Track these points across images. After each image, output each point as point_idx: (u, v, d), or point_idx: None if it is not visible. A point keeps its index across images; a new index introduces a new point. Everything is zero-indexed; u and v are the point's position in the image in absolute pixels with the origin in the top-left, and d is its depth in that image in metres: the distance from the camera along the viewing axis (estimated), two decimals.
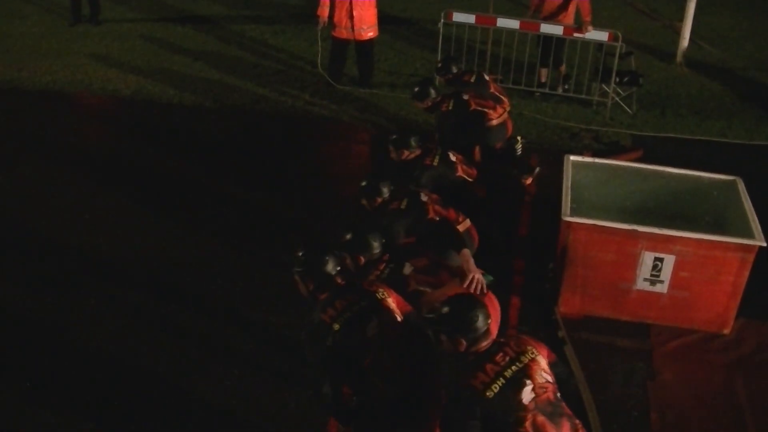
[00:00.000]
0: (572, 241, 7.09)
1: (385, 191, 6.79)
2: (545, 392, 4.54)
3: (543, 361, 4.64)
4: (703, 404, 6.57)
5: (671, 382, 6.75)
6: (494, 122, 8.70)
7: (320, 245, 5.24)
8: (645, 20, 14.83)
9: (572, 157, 8.05)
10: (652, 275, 7.09)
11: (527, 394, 4.48)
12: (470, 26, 11.82)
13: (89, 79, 11.87)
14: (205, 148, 10.11)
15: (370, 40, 11.43)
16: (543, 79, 11.88)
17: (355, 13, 11.09)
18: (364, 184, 6.87)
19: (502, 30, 11.76)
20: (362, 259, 5.92)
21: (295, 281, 5.17)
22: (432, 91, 8.67)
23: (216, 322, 7.16)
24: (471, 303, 4.73)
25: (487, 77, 9.22)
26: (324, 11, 11.23)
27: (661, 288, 7.12)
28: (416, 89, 8.73)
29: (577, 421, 4.64)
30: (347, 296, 5.05)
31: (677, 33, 13.32)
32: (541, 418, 4.46)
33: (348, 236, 5.96)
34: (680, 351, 7.07)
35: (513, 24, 11.70)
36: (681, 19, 13.00)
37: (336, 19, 11.22)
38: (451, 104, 8.64)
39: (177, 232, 8.42)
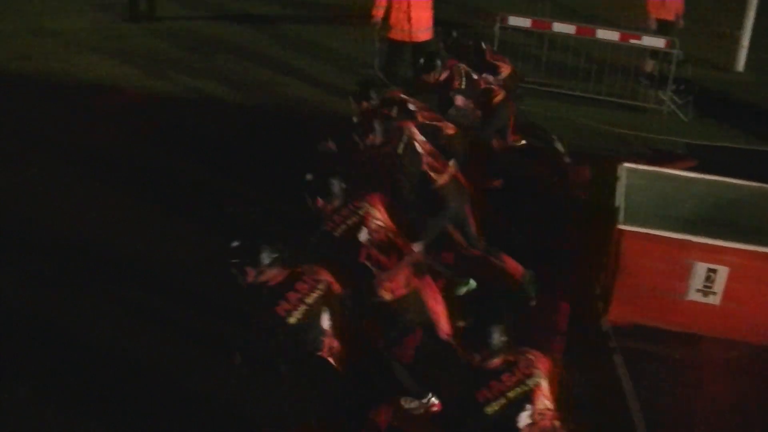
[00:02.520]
0: (625, 249, 7.03)
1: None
2: (543, 419, 4.61)
3: (546, 386, 4.68)
4: (753, 419, 6.48)
5: (721, 395, 6.68)
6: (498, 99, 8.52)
7: (256, 235, 5.45)
8: (702, 27, 14.65)
9: (626, 165, 7.99)
10: (704, 286, 7.01)
11: (524, 419, 4.57)
12: (526, 30, 11.78)
13: (140, 76, 12.01)
14: (247, 147, 10.08)
15: (426, 42, 11.42)
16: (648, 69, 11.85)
17: (412, 15, 11.07)
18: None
19: (557, 34, 11.71)
20: (320, 202, 5.96)
21: (233, 273, 5.30)
22: (439, 63, 8.27)
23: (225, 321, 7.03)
24: (492, 320, 4.78)
25: (484, 46, 8.93)
26: (379, 12, 11.24)
27: (714, 299, 7.04)
28: (421, 60, 8.32)
29: None
30: (298, 287, 5.25)
31: (736, 41, 13.15)
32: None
33: (309, 177, 5.99)
34: (731, 363, 6.99)
35: (569, 29, 11.65)
36: (740, 26, 12.84)
37: (393, 20, 11.21)
38: (463, 82, 8.29)
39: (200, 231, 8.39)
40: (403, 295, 5.87)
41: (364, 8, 11.63)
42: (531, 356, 4.79)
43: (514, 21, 11.71)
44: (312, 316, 5.21)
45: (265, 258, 5.28)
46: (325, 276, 5.33)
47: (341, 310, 5.40)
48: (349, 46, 13.26)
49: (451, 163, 7.17)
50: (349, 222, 5.91)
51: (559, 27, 11.60)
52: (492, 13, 11.85)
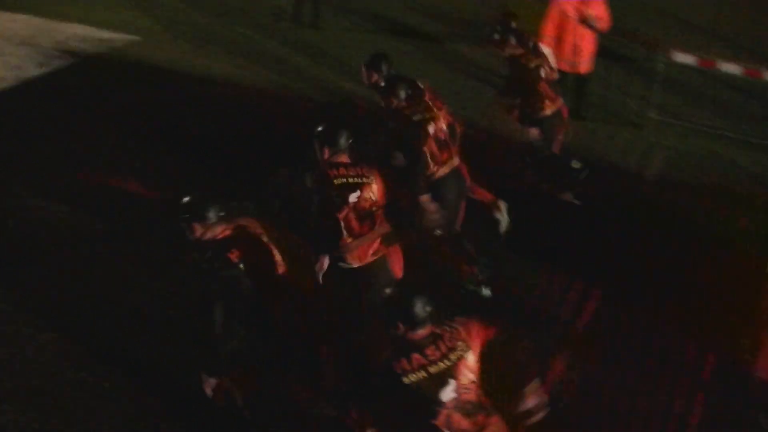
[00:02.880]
0: None
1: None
2: (468, 393, 4.65)
3: (472, 359, 4.68)
4: None
5: None
6: None
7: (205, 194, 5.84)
8: None
9: None
10: None
11: (448, 393, 4.60)
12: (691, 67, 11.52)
13: (301, 82, 12.23)
14: None
15: (588, 73, 11.31)
16: None
17: (577, 45, 10.99)
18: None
19: (724, 74, 11.41)
20: (327, 153, 6.26)
21: (182, 228, 5.68)
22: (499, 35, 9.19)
23: None
24: (415, 292, 4.82)
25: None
26: (548, 42, 11.13)
27: None
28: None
29: (496, 418, 4.73)
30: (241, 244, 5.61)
31: None
32: (456, 416, 4.59)
33: (320, 128, 6.33)
34: None
35: (736, 69, 11.34)
36: None
37: (556, 49, 11.14)
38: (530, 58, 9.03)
39: None
40: (370, 262, 6.22)
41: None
42: (459, 328, 4.78)
43: (679, 57, 11.45)
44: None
45: (212, 215, 5.64)
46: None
47: None
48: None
49: (456, 156, 7.47)
50: (351, 181, 6.19)
51: (726, 66, 11.30)
52: (652, 39, 11.57)
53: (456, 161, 7.44)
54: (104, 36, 13.29)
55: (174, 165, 9.54)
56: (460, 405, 4.63)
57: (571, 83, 11.49)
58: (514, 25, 9.66)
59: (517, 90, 9.13)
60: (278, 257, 5.78)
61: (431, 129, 7.24)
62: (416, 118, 7.22)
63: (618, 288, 7.97)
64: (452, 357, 4.66)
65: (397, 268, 6.38)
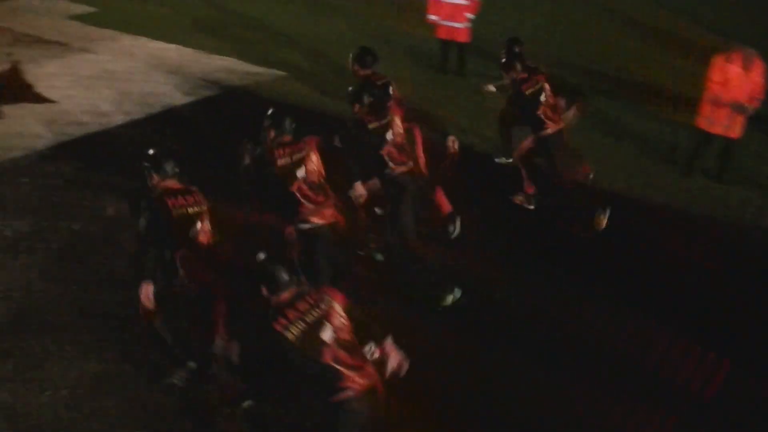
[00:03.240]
0: None
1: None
2: (343, 332, 5.54)
3: (339, 307, 5.60)
4: None
5: None
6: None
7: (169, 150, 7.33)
8: None
9: None
10: None
11: (328, 333, 5.46)
12: None
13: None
14: None
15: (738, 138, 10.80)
16: None
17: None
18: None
19: None
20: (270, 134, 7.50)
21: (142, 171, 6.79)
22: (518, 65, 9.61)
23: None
24: (276, 261, 5.72)
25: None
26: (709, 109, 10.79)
27: None
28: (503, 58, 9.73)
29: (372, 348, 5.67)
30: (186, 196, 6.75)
31: None
32: (341, 352, 5.44)
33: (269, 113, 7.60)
34: None
35: None
36: None
37: (709, 112, 10.71)
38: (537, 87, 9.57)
39: None
40: (325, 224, 7.46)
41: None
42: (319, 288, 5.79)
43: None
44: None
45: (169, 169, 6.76)
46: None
47: None
48: (662, 127, 12.82)
49: (410, 159, 8.47)
50: (294, 158, 7.39)
51: None
52: None
53: (411, 163, 8.43)
54: (251, 69, 13.61)
55: None
56: (340, 342, 5.49)
57: (718, 145, 11.08)
58: (518, 50, 9.95)
59: (518, 112, 9.91)
60: (207, 225, 6.75)
61: (389, 135, 8.27)
62: (372, 126, 8.24)
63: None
64: (322, 306, 5.56)
65: (344, 232, 7.67)
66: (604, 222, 9.53)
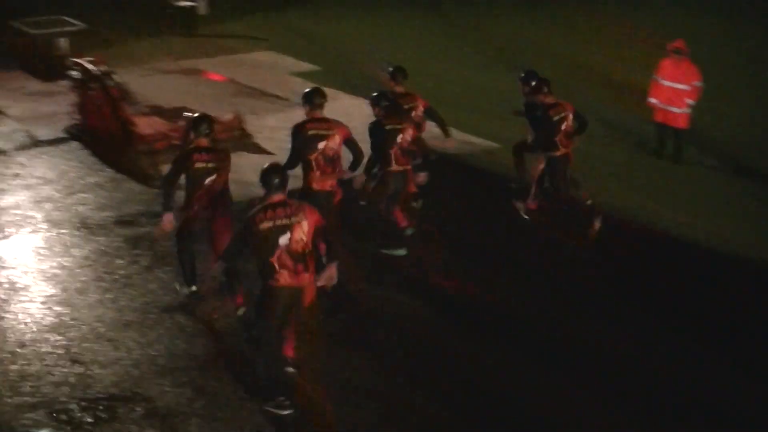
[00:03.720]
0: None
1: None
2: (297, 245, 7.09)
3: (306, 226, 7.14)
4: None
5: None
6: None
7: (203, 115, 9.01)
8: None
9: None
10: None
11: (284, 240, 7.04)
12: None
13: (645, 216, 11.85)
14: None
15: None
16: None
17: None
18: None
19: None
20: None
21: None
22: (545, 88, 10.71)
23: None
24: (274, 167, 7.40)
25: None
26: None
27: None
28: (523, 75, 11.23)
29: (310, 275, 7.19)
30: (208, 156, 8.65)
31: None
32: (285, 257, 7.03)
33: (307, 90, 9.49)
34: None
35: None
36: None
37: None
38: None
39: None
40: (326, 190, 9.17)
41: None
42: (303, 205, 7.30)
43: None
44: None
45: (202, 130, 8.64)
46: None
47: None
48: None
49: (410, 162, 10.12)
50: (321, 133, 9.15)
51: None
52: None
53: (409, 167, 10.07)
54: (464, 138, 13.58)
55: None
56: (290, 250, 7.05)
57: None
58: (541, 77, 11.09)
59: (539, 133, 10.94)
60: (223, 177, 8.62)
61: (399, 138, 9.79)
62: (388, 127, 9.79)
63: None
64: (293, 219, 7.12)
65: (337, 200, 9.29)
66: (598, 226, 10.69)
